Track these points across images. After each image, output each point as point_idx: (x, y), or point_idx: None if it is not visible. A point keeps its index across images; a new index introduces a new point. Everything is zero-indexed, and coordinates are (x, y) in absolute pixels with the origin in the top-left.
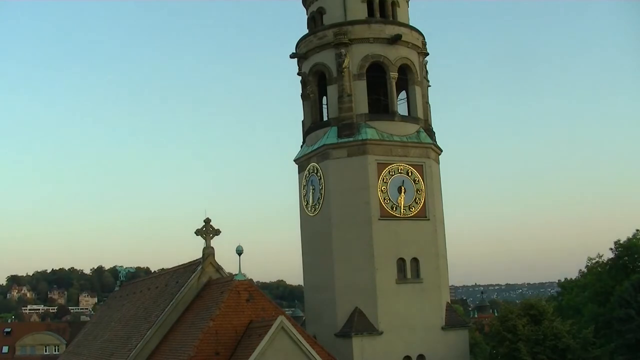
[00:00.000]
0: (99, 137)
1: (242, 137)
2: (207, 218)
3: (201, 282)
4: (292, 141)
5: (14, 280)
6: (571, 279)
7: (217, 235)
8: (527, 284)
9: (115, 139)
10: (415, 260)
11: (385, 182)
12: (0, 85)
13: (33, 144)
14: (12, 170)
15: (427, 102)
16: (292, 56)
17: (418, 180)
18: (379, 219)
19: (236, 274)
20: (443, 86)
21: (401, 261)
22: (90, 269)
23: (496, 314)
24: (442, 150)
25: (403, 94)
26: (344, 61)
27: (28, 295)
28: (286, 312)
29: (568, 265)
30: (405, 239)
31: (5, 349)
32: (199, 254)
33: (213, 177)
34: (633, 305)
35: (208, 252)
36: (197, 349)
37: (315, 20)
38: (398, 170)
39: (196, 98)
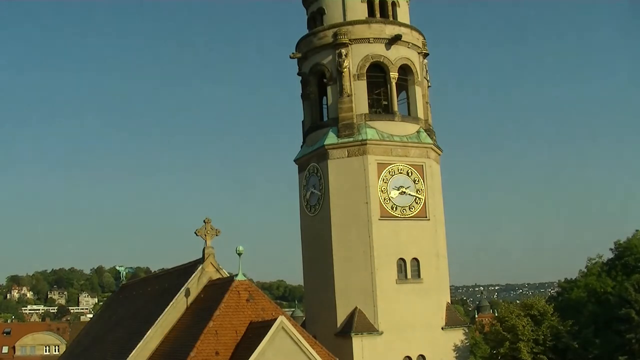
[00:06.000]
0: (99, 136)
1: (242, 137)
2: (207, 218)
3: (201, 282)
4: (292, 141)
5: (14, 280)
6: (571, 279)
7: (217, 235)
8: (527, 284)
9: (115, 139)
10: (415, 260)
11: (385, 182)
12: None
13: (33, 144)
14: (12, 170)
15: (428, 102)
16: (292, 56)
17: (418, 181)
18: (379, 219)
19: (236, 274)
20: (443, 86)
21: (401, 261)
22: (90, 269)
23: (496, 314)
24: (442, 151)
25: (403, 94)
26: (344, 61)
27: (28, 295)
28: (286, 312)
29: (568, 265)
30: (405, 239)
31: (5, 349)
32: (199, 254)
33: (213, 177)
34: (633, 305)
35: (208, 252)
36: (197, 349)
37: (315, 20)
38: (398, 170)
39: (196, 97)
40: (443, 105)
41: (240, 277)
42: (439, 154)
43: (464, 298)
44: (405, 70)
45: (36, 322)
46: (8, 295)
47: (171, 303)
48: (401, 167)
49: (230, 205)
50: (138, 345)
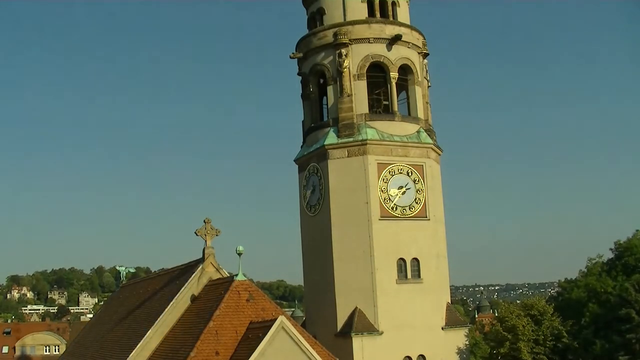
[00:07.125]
0: (99, 137)
1: (243, 137)
2: (207, 218)
3: (201, 282)
4: (292, 141)
5: (14, 280)
6: (571, 279)
7: (217, 235)
8: (527, 284)
9: (115, 139)
10: (415, 260)
11: (386, 182)
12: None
13: (35, 144)
14: (12, 170)
15: (428, 102)
16: (292, 56)
17: (418, 181)
18: (379, 219)
19: (236, 274)
20: (443, 86)
21: (401, 261)
22: (90, 269)
23: (496, 314)
24: (442, 151)
25: (403, 94)
26: (344, 61)
27: (28, 295)
28: (286, 312)
29: (568, 265)
30: (406, 239)
31: (5, 349)
32: (199, 254)
33: (213, 177)
34: (633, 305)
35: (208, 252)
36: (197, 349)
37: (315, 20)
38: (398, 170)
39: (196, 98)
40: (443, 105)
41: (240, 277)
42: (439, 154)
43: (464, 298)
44: (405, 70)
45: (36, 322)
46: (8, 295)
47: (171, 303)
48: (401, 167)
49: (230, 205)
50: (138, 345)
